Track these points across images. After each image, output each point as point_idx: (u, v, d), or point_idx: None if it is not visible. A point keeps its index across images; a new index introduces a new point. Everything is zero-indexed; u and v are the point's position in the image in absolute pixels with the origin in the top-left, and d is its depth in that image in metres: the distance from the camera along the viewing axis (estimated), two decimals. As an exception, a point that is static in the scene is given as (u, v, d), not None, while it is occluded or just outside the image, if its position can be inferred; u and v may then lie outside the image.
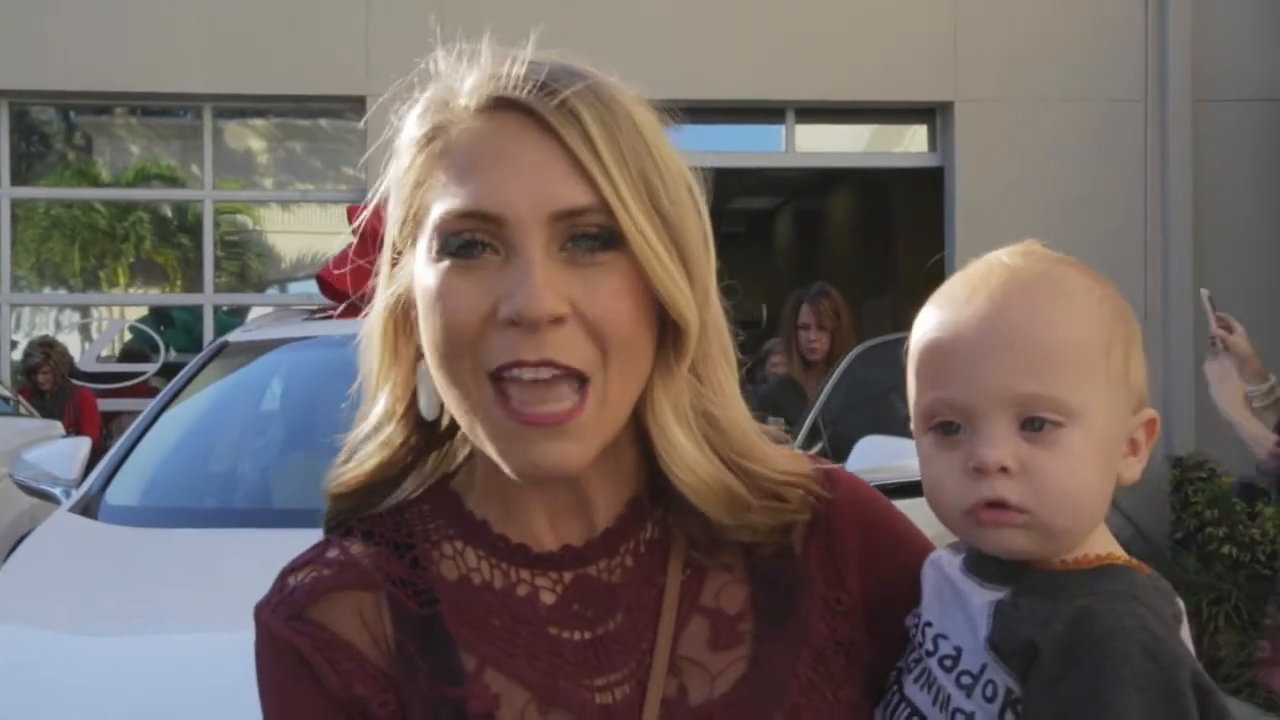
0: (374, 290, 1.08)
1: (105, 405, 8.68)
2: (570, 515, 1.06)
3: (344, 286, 4.55)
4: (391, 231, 1.04)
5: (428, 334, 0.99)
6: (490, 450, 0.99)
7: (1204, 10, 8.61)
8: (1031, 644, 0.95)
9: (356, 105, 8.52)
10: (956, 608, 1.03)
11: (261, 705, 1.04)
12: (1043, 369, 0.98)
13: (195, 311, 9.41)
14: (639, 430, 1.04)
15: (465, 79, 1.01)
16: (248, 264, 10.37)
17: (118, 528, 3.47)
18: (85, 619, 3.04)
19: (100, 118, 10.16)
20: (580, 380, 0.96)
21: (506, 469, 0.98)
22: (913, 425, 1.06)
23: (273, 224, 10.42)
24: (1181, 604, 1.00)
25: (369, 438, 1.08)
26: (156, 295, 10.55)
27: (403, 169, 1.03)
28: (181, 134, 9.96)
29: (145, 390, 8.57)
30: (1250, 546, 6.60)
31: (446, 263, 0.97)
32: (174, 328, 9.74)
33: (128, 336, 9.73)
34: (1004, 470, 0.99)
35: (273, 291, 10.51)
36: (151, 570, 3.24)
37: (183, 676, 2.69)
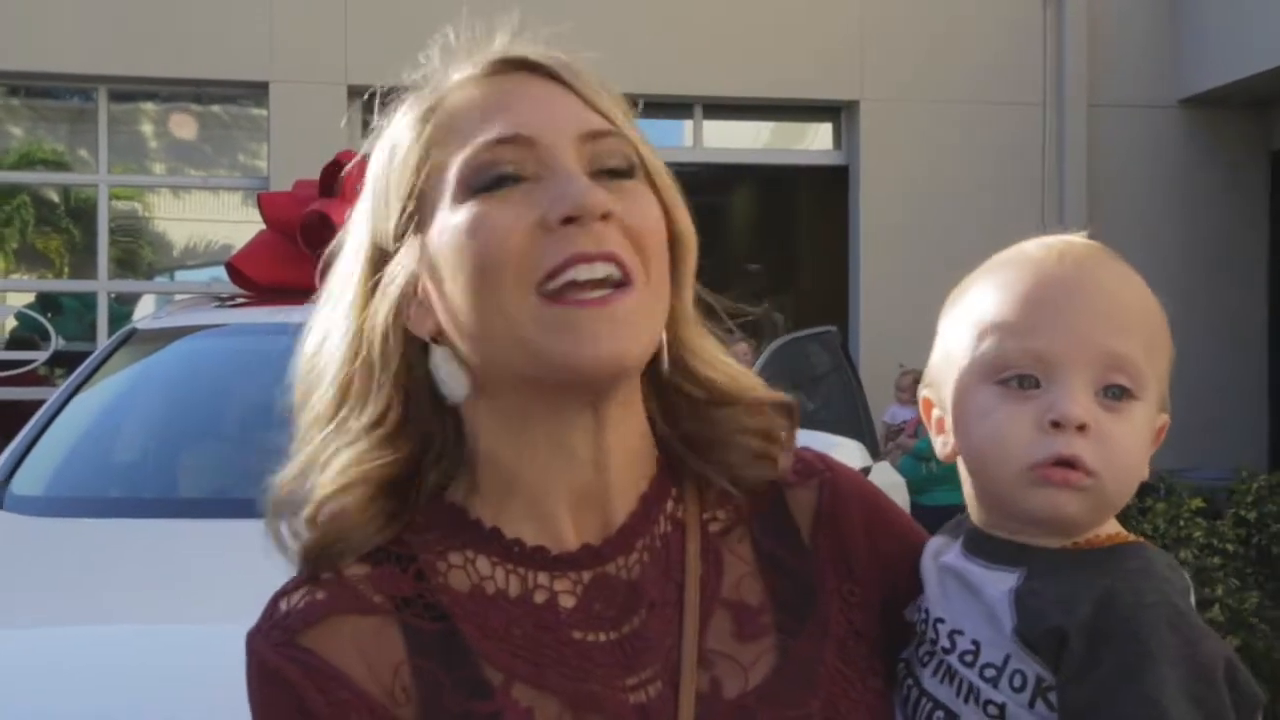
0: (337, 290, 1.04)
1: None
2: (591, 505, 1.03)
3: (256, 274, 4.47)
4: (384, 229, 1.02)
5: (464, 264, 0.97)
6: (533, 356, 0.96)
7: (1099, 17, 8.84)
8: (1059, 630, 0.95)
9: (258, 91, 8.36)
10: (969, 600, 1.03)
11: None
12: (1130, 331, 1.01)
13: (84, 298, 9.12)
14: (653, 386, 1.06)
15: (449, 67, 1.05)
16: (137, 251, 10.07)
17: (24, 518, 3.35)
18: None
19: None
20: (627, 285, 0.98)
21: (553, 368, 0.96)
22: (965, 376, 1.04)
23: (163, 211, 10.14)
24: (1187, 577, 1.02)
25: (352, 447, 1.01)
26: (47, 281, 10.21)
27: (398, 160, 1.02)
28: (69, 117, 9.64)
29: (34, 379, 8.31)
30: (1142, 540, 6.82)
31: (477, 199, 0.97)
32: (62, 315, 9.44)
33: (13, 324, 9.40)
34: (1081, 429, 0.99)
35: (162, 279, 10.26)
36: (60, 561, 3.13)
37: (96, 668, 2.62)
